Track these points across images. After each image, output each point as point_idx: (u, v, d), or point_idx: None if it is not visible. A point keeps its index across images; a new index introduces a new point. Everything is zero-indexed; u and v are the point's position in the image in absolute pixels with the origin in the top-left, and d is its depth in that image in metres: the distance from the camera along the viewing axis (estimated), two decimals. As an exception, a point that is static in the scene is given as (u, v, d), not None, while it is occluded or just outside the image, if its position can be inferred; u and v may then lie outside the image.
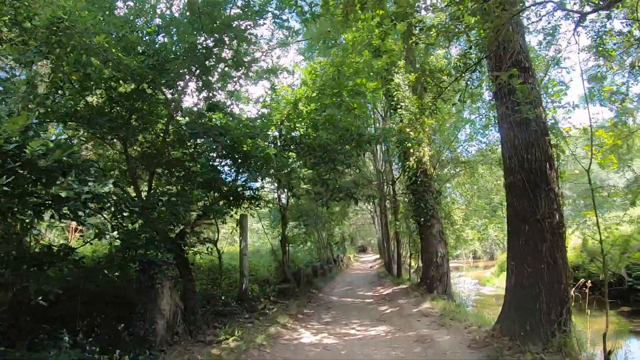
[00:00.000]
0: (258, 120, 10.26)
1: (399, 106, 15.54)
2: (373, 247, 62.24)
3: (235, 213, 12.31)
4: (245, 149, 8.84)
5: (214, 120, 8.94)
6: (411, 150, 14.94)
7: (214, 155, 9.38)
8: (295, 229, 32.72)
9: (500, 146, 8.97)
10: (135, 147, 9.57)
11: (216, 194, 9.96)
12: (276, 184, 10.44)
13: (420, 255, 14.79)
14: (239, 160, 9.00)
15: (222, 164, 9.58)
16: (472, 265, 52.88)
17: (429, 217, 14.07)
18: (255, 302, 13.07)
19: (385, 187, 23.49)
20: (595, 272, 13.10)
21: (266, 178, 9.15)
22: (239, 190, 9.82)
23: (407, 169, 14.93)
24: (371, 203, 36.53)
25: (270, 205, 17.45)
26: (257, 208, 13.22)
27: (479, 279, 34.06)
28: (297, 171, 10.06)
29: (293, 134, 12.39)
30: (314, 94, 11.29)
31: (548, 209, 7.31)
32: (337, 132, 12.75)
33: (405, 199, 17.61)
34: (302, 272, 18.02)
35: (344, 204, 29.62)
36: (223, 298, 12.13)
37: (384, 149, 23.46)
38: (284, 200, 16.40)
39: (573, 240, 27.43)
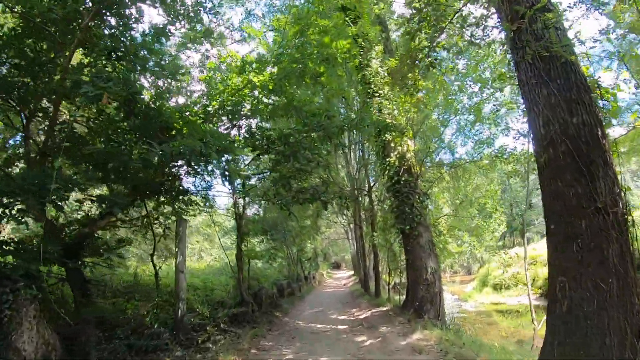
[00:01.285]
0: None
1: (376, 94, 12.95)
2: (347, 263, 59.35)
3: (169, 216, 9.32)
4: (162, 119, 5.96)
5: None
6: (392, 144, 12.29)
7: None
8: (263, 244, 29.93)
9: (527, 118, 6.35)
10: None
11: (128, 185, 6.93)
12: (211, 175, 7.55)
13: (406, 272, 11.97)
14: (148, 131, 6.03)
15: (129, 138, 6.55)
16: (449, 279, 50.36)
17: (415, 225, 11.35)
18: (198, 331, 10.06)
19: (360, 196, 20.80)
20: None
21: (195, 162, 6.16)
22: (159, 180, 6.79)
23: (388, 167, 12.24)
24: (344, 216, 33.99)
25: (221, 211, 14.60)
26: (189, 209, 10.25)
27: (459, 295, 31.66)
28: (238, 158, 7.21)
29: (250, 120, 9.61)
30: (271, 60, 8.51)
31: (610, 193, 4.69)
32: (299, 118, 10.10)
33: (385, 205, 14.89)
34: (264, 292, 14.96)
35: (313, 217, 27.01)
36: (155, 327, 9.11)
37: (358, 153, 20.84)
38: (240, 207, 13.41)
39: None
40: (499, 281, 28.49)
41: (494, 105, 12.82)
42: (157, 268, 11.27)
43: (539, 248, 28.07)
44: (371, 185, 17.48)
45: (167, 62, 6.90)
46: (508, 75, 7.61)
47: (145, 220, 7.94)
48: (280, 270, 26.29)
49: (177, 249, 9.73)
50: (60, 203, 5.05)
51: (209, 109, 8.30)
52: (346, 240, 45.15)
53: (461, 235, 17.79)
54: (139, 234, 10.59)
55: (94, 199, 6.20)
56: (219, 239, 16.69)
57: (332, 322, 12.94)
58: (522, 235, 11.94)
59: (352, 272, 46.43)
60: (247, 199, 13.65)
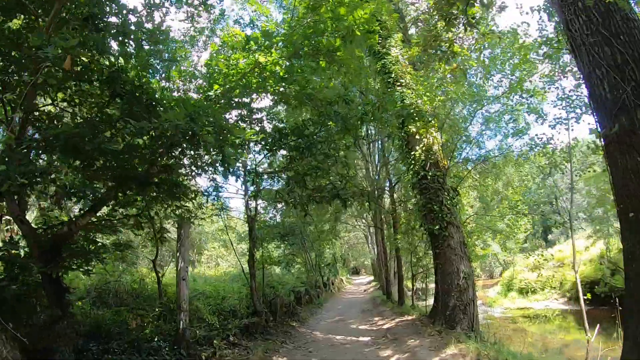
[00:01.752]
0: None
1: (398, 83, 11.74)
2: (367, 268, 57.77)
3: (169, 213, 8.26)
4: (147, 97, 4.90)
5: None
6: (416, 137, 11.04)
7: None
8: (279, 250, 28.80)
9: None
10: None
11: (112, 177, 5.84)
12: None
13: (435, 277, 10.64)
14: (133, 113, 4.92)
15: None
16: None
17: (445, 224, 10.04)
18: (202, 345, 9.01)
19: (381, 198, 19.51)
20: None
21: (181, 144, 5.01)
22: (147, 171, 5.68)
23: (413, 162, 10.98)
24: (364, 219, 32.67)
25: (234, 215, 13.59)
26: (193, 210, 9.21)
27: (483, 300, 30.26)
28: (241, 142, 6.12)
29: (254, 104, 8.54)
30: (279, 36, 7.40)
31: None
32: (314, 108, 9.03)
33: (409, 205, 13.58)
34: (279, 300, 13.80)
35: (332, 221, 25.78)
36: (156, 340, 8.12)
37: (377, 152, 19.57)
38: (252, 209, 12.32)
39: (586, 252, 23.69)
40: (525, 285, 26.81)
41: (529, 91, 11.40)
42: (161, 275, 10.29)
43: (565, 249, 26.34)
44: (393, 184, 16.16)
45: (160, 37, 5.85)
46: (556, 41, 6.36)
47: (137, 220, 6.84)
48: (299, 276, 25.17)
49: (178, 254, 8.68)
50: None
51: (210, 93, 7.21)
52: (366, 245, 43.78)
53: (487, 237, 16.38)
54: (140, 237, 9.59)
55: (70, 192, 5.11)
56: (232, 244, 15.60)
57: (353, 333, 11.70)
58: (570, 229, 10.43)
59: (372, 278, 44.96)
60: (259, 200, 12.58)
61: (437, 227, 9.95)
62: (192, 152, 5.32)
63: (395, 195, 16.46)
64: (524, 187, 14.55)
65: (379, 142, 18.63)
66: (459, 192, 10.97)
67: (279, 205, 25.93)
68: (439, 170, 10.71)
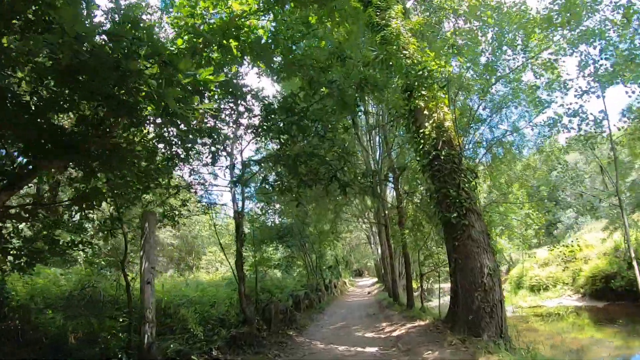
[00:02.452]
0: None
1: (401, 55, 10.07)
2: (370, 270, 55.90)
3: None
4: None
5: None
6: (425, 112, 9.35)
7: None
8: (278, 252, 27.07)
9: None
10: None
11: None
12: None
13: (452, 275, 8.87)
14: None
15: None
16: None
17: (464, 211, 8.31)
18: (174, 365, 7.35)
19: (382, 190, 17.75)
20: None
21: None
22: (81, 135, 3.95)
23: (422, 141, 9.28)
24: (365, 218, 30.87)
25: (215, 209, 11.93)
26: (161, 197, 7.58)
27: None
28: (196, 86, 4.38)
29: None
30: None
31: None
32: (305, 76, 7.47)
33: (418, 194, 11.85)
34: (274, 306, 12.05)
35: (332, 220, 24.04)
36: (119, 358, 6.57)
37: (379, 138, 17.78)
38: (239, 202, 10.59)
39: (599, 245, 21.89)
40: (536, 282, 25.00)
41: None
42: (131, 279, 8.60)
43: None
44: (398, 175, 14.40)
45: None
46: None
47: (84, 202, 5.15)
48: (300, 279, 23.49)
49: (141, 253, 6.95)
50: None
51: (172, 48, 5.53)
52: (368, 245, 41.99)
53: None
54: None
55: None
56: (220, 244, 13.87)
57: (357, 342, 9.96)
58: (621, 213, 8.68)
59: (375, 279, 43.19)
60: (246, 190, 10.91)
61: (454, 214, 8.22)
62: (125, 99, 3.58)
63: (400, 188, 14.66)
64: (542, 172, 12.79)
65: (379, 131, 16.88)
66: (477, 174, 9.23)
67: (277, 206, 24.50)
68: (452, 149, 9.01)
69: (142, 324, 6.72)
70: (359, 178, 8.99)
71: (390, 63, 8.84)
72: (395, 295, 16.40)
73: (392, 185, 15.51)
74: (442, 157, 8.82)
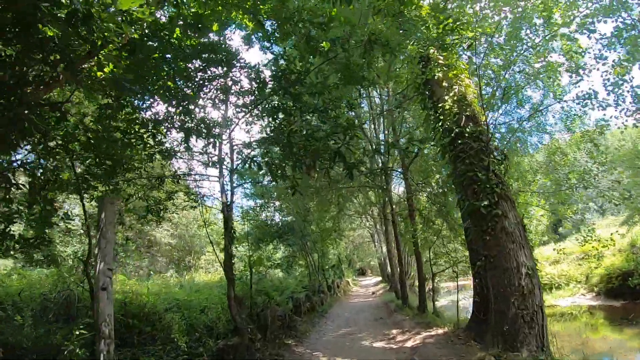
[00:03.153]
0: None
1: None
2: (373, 268, 54.20)
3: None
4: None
5: None
6: (444, 83, 7.81)
7: None
8: (278, 251, 25.55)
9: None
10: None
11: None
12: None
13: (482, 274, 7.28)
14: None
15: None
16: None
17: (495, 199, 6.75)
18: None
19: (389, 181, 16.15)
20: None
21: None
22: None
23: (441, 118, 7.73)
24: (369, 215, 29.28)
25: (204, 203, 10.38)
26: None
27: None
28: None
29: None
30: None
31: None
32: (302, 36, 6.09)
33: (433, 183, 10.29)
34: (270, 312, 10.52)
35: (335, 217, 22.50)
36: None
37: (383, 126, 16.15)
38: (227, 193, 9.04)
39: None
40: (548, 280, 23.71)
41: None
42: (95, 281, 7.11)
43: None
44: (408, 164, 12.78)
45: None
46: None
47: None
48: (302, 279, 21.96)
49: (97, 250, 5.43)
50: None
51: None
52: (372, 244, 40.39)
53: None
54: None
55: None
56: (211, 241, 12.34)
57: (365, 354, 8.45)
58: None
59: (379, 279, 41.59)
60: (235, 179, 9.38)
61: (484, 202, 6.66)
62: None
63: (410, 179, 13.06)
64: (568, 159, 11.19)
65: (384, 121, 15.29)
66: (507, 156, 7.66)
67: (277, 203, 22.98)
68: (478, 126, 7.46)
69: (97, 340, 5.22)
70: (368, 156, 7.45)
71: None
72: (404, 297, 14.84)
73: (400, 178, 13.90)
74: (466, 135, 7.28)
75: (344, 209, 17.53)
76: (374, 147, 15.13)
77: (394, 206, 15.11)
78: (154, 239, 28.60)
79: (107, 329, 5.27)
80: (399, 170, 12.61)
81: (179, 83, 6.55)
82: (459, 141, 7.27)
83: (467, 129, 7.29)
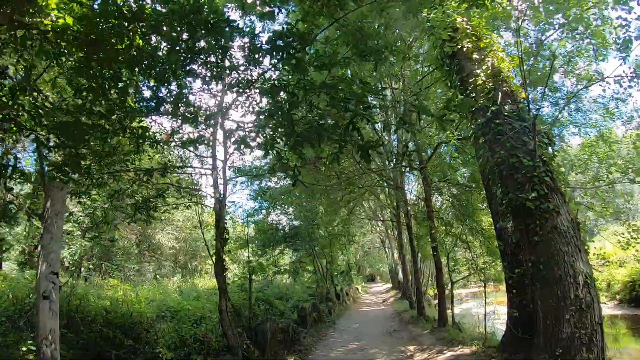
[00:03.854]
0: None
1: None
2: (382, 275, 52.51)
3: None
4: None
5: None
6: (474, 55, 6.51)
7: None
8: (286, 256, 24.27)
9: None
10: None
11: None
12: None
13: (527, 284, 5.88)
14: None
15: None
16: (494, 289, 42.45)
17: (545, 191, 5.38)
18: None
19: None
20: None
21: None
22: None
23: (472, 94, 6.40)
24: (380, 220, 27.90)
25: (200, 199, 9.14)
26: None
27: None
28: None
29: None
30: None
31: None
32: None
33: (459, 177, 8.94)
34: (270, 325, 9.19)
35: (346, 219, 21.17)
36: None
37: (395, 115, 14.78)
38: (220, 184, 7.80)
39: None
40: None
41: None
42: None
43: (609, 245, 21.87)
44: (426, 160, 11.39)
45: None
46: None
47: None
48: (310, 286, 20.67)
49: (39, 248, 4.22)
50: None
51: None
52: (382, 250, 38.90)
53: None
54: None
55: None
56: (205, 243, 11.06)
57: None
58: None
59: (389, 285, 40.00)
60: (229, 169, 8.17)
61: (532, 195, 5.30)
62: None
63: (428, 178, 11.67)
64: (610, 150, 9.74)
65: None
66: (552, 140, 6.29)
67: (288, 208, 21.68)
68: (514, 104, 6.13)
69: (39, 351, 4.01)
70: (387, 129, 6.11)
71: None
72: (420, 307, 13.40)
73: (416, 176, 12.51)
74: (505, 115, 5.95)
75: (354, 212, 16.12)
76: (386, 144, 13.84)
77: (409, 207, 13.73)
78: (157, 243, 27.66)
79: (49, 349, 4.04)
80: (417, 165, 11.21)
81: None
82: (497, 121, 5.94)
83: (506, 107, 5.97)
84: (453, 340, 8.65)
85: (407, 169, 12.71)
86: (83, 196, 7.70)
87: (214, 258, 7.89)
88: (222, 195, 7.75)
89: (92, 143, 6.15)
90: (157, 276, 22.97)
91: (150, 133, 6.87)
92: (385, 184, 14.58)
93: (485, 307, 8.85)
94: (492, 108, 6.01)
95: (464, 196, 9.89)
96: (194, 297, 12.12)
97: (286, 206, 21.29)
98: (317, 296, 18.83)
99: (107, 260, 20.62)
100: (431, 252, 11.60)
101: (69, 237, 18.16)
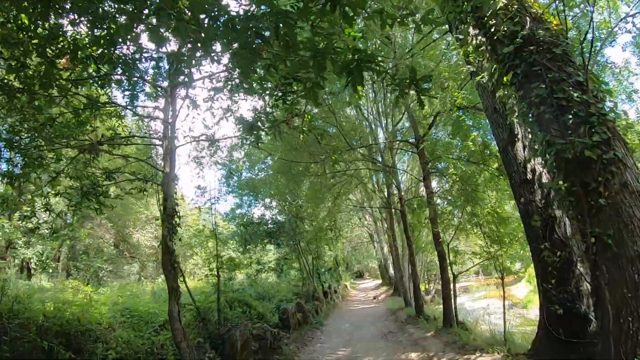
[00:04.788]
0: None
1: None
2: (370, 271, 51.06)
3: None
4: None
5: None
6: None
7: None
8: (270, 253, 22.73)
9: None
10: None
11: None
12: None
13: (591, 268, 4.26)
14: None
15: None
16: (484, 282, 41.22)
17: (607, 135, 3.77)
18: None
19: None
20: None
21: None
22: None
23: (491, 22, 4.77)
24: (368, 212, 26.34)
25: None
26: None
27: (511, 300, 23.59)
28: None
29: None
30: None
31: None
32: None
33: (466, 150, 7.37)
34: (240, 334, 7.44)
35: (331, 211, 19.53)
36: None
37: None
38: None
39: None
40: None
41: None
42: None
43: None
44: (420, 139, 9.76)
45: None
46: None
47: None
48: (296, 284, 19.06)
49: None
50: None
51: None
52: (370, 245, 37.38)
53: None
54: None
55: None
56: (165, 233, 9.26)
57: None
58: None
59: (378, 281, 38.59)
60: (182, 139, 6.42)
61: (593, 138, 3.68)
62: None
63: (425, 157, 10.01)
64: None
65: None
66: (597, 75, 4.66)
67: (267, 200, 20.02)
68: (550, 34, 4.52)
69: None
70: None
71: None
72: (418, 304, 11.76)
73: (415, 147, 10.78)
74: (540, 39, 4.32)
75: (340, 198, 14.38)
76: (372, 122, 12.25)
77: (402, 193, 12.10)
78: (135, 242, 25.98)
79: None
80: (411, 141, 9.55)
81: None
82: (530, 47, 4.31)
83: (540, 34, 4.37)
84: (466, 346, 7.03)
85: (399, 144, 11.07)
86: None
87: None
88: (171, 167, 5.99)
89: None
90: (141, 277, 21.42)
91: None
92: (376, 163, 12.93)
93: (504, 304, 7.25)
94: (522, 32, 4.38)
95: (471, 171, 8.36)
96: (165, 299, 10.44)
97: (269, 200, 19.81)
98: (302, 295, 17.20)
99: (74, 260, 18.89)
100: (426, 242, 10.03)
101: (35, 235, 16.37)
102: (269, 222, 19.88)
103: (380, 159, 13.22)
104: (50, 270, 17.17)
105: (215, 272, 8.70)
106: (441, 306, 21.37)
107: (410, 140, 9.74)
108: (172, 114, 6.18)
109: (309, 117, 6.53)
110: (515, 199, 6.24)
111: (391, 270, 25.53)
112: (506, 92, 4.69)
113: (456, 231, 10.20)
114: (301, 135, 6.11)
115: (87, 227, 20.19)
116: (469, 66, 6.67)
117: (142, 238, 25.97)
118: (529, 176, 5.79)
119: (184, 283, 8.55)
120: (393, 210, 14.82)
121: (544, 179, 5.46)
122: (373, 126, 14.47)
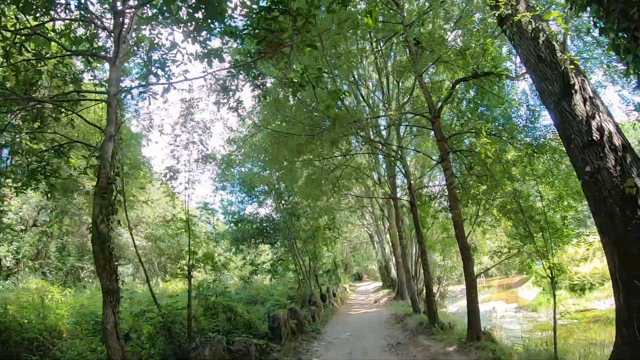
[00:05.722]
0: None
1: None
2: (370, 273, 49.55)
3: None
4: None
5: None
6: None
7: None
8: (264, 253, 21.44)
9: None
10: None
11: None
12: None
13: None
14: None
15: None
16: (486, 285, 39.88)
17: None
18: None
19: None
20: None
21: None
22: None
23: None
24: (369, 215, 24.86)
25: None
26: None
27: (518, 303, 23.04)
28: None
29: None
30: None
31: None
32: None
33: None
34: (210, 351, 5.71)
35: (328, 207, 17.92)
36: None
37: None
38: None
39: None
40: (577, 280, 20.31)
41: None
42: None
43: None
44: (435, 112, 8.04)
45: None
46: None
47: None
48: (292, 287, 17.64)
49: None
50: None
51: None
52: (370, 246, 35.88)
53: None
54: None
55: None
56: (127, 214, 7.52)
57: None
58: None
59: (378, 284, 37.13)
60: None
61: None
62: None
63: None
64: None
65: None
66: None
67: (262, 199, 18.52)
68: None
69: None
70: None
71: None
72: (432, 311, 9.97)
73: (431, 119, 9.06)
74: None
75: (340, 188, 12.77)
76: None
77: (412, 182, 10.38)
78: (124, 242, 24.55)
79: None
80: (426, 116, 7.87)
81: None
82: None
83: None
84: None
85: (411, 118, 9.37)
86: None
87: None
88: (112, 123, 4.28)
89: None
90: (135, 279, 20.89)
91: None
92: (379, 147, 11.26)
93: (554, 310, 5.54)
94: None
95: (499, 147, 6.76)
96: (145, 302, 8.90)
97: (263, 197, 18.39)
98: (298, 299, 15.55)
99: (47, 259, 17.34)
100: (432, 241, 8.33)
101: (10, 231, 14.87)
102: (264, 220, 18.64)
103: (383, 143, 11.55)
104: (27, 269, 15.84)
105: (187, 272, 6.97)
106: (447, 310, 19.65)
107: (423, 115, 8.07)
108: (118, 49, 4.50)
109: (301, 68, 4.89)
110: (575, 168, 4.77)
111: (393, 272, 23.86)
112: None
113: (476, 221, 8.53)
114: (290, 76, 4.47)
115: (65, 223, 18.72)
116: (496, 11, 5.41)
117: (130, 239, 24.61)
118: (596, 136, 4.33)
119: (147, 284, 6.96)
120: (399, 202, 13.08)
121: (615, 141, 4.07)
122: (375, 109, 12.87)
